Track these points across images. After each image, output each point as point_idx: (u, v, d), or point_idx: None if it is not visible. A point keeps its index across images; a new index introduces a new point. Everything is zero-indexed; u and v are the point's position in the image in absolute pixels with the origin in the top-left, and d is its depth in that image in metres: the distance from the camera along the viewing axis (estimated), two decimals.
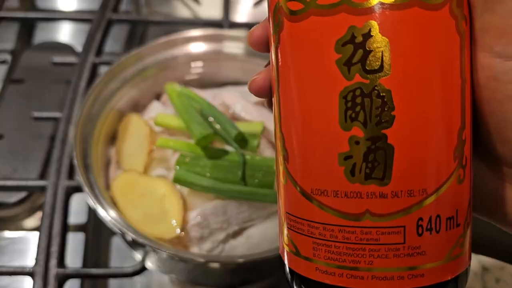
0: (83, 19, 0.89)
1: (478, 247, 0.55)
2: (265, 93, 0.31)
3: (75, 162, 0.54)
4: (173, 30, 0.99)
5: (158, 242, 0.53)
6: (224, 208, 0.57)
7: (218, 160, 0.59)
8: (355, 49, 0.23)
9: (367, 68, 0.23)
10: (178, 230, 0.55)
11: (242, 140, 0.61)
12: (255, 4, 1.02)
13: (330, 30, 0.23)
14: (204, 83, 0.71)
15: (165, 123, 0.63)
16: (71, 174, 0.69)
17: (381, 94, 0.23)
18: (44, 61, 0.86)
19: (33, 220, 0.74)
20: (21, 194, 0.72)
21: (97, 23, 0.87)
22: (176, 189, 0.57)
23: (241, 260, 0.51)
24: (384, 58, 0.23)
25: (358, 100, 0.23)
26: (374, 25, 0.22)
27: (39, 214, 0.74)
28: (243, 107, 0.65)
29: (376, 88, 0.23)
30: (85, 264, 0.70)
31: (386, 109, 0.23)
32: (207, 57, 0.69)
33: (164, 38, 0.66)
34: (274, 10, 0.26)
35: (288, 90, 0.26)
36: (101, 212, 0.52)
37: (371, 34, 0.23)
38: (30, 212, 0.74)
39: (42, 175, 0.74)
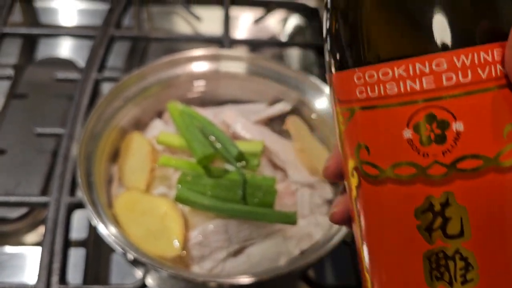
0: (86, 36, 0.89)
1: None
2: (346, 223, 0.31)
3: (79, 180, 0.54)
4: (174, 46, 0.99)
5: (159, 261, 0.52)
6: (225, 227, 0.57)
7: (219, 179, 0.59)
8: (434, 216, 0.23)
9: (448, 234, 0.23)
10: (179, 249, 0.55)
11: (242, 159, 0.61)
12: (255, 22, 1.02)
13: (407, 199, 0.24)
14: (205, 101, 0.71)
15: (167, 142, 0.63)
16: (73, 190, 0.68)
17: (464, 257, 0.23)
18: (47, 76, 0.87)
19: (34, 236, 0.74)
20: (23, 209, 0.72)
21: (99, 39, 0.87)
22: (178, 208, 0.58)
23: (243, 280, 0.51)
24: (463, 223, 0.23)
25: (442, 262, 0.23)
26: (451, 195, 0.23)
27: (40, 230, 0.74)
28: (244, 126, 0.65)
29: (458, 251, 0.23)
30: (85, 279, 0.70)
31: (470, 269, 0.23)
32: (208, 76, 0.69)
33: (166, 57, 0.67)
34: (352, 164, 0.26)
35: (371, 241, 0.26)
36: (103, 230, 0.52)
37: (449, 203, 0.23)
38: (32, 228, 0.74)
39: (45, 190, 0.74)
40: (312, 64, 0.99)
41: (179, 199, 0.57)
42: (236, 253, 0.58)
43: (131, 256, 0.51)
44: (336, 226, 0.58)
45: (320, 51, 0.96)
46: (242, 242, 0.58)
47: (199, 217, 0.59)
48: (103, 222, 0.53)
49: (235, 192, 0.58)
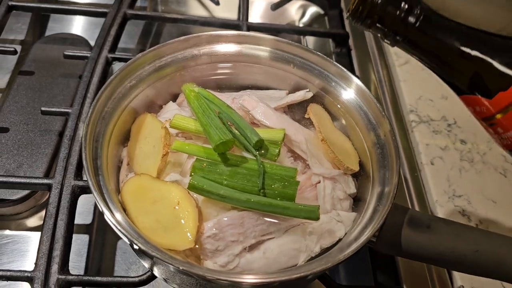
0: (98, 12, 0.82)
1: None
2: None
3: (85, 163, 0.48)
4: (189, 30, 0.93)
5: (169, 255, 0.46)
6: (241, 219, 0.51)
7: (236, 168, 0.53)
8: None
9: None
10: (191, 242, 0.48)
11: (261, 148, 0.55)
12: (273, 7, 0.95)
13: None
14: (223, 85, 0.64)
15: (181, 126, 0.56)
16: (78, 173, 0.62)
17: None
18: (56, 53, 0.80)
19: (36, 219, 0.68)
20: (25, 191, 0.66)
21: (112, 17, 0.80)
22: (191, 197, 0.51)
23: (257, 280, 0.44)
24: None
25: None
26: None
27: (43, 213, 0.67)
28: (264, 113, 0.58)
29: None
30: (88, 268, 0.64)
31: None
32: (228, 59, 0.62)
33: (184, 36, 0.60)
34: None
35: None
36: (110, 219, 0.46)
37: None
38: (34, 211, 0.68)
39: (48, 172, 0.67)
40: (330, 54, 0.92)
41: (192, 187, 0.50)
42: (252, 247, 0.51)
43: (139, 247, 0.45)
44: (361, 224, 0.52)
45: (338, 40, 0.90)
46: (258, 236, 0.51)
47: (213, 207, 0.52)
48: (110, 210, 0.47)
49: (253, 182, 0.52)
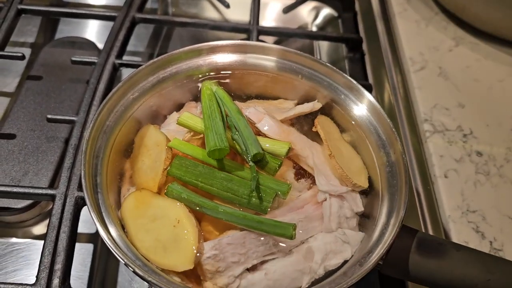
0: (106, 16, 0.80)
1: None
2: None
3: (84, 182, 0.46)
4: (199, 33, 0.90)
5: (165, 278, 0.44)
6: (243, 239, 0.49)
7: (228, 174, 0.51)
8: None
9: None
10: (191, 263, 0.46)
11: (261, 160, 0.52)
12: (285, 10, 0.92)
13: None
14: (230, 94, 0.62)
15: (188, 124, 0.54)
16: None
17: None
18: (64, 57, 0.78)
19: (42, 227, 0.67)
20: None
21: (120, 21, 0.78)
22: (191, 215, 0.49)
23: None
24: None
25: None
26: None
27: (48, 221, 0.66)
28: (270, 126, 0.56)
29: None
30: (91, 277, 0.62)
31: None
32: (234, 68, 0.60)
33: (188, 47, 0.57)
34: None
35: None
36: (107, 240, 0.44)
37: None
38: (40, 218, 0.67)
39: (54, 181, 0.66)
40: (342, 58, 0.89)
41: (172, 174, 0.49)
42: (254, 268, 0.49)
43: (134, 271, 0.43)
44: (368, 245, 0.49)
45: (352, 45, 0.86)
46: (261, 257, 0.49)
47: (214, 226, 0.50)
48: (108, 231, 0.45)
49: (234, 190, 0.50)
